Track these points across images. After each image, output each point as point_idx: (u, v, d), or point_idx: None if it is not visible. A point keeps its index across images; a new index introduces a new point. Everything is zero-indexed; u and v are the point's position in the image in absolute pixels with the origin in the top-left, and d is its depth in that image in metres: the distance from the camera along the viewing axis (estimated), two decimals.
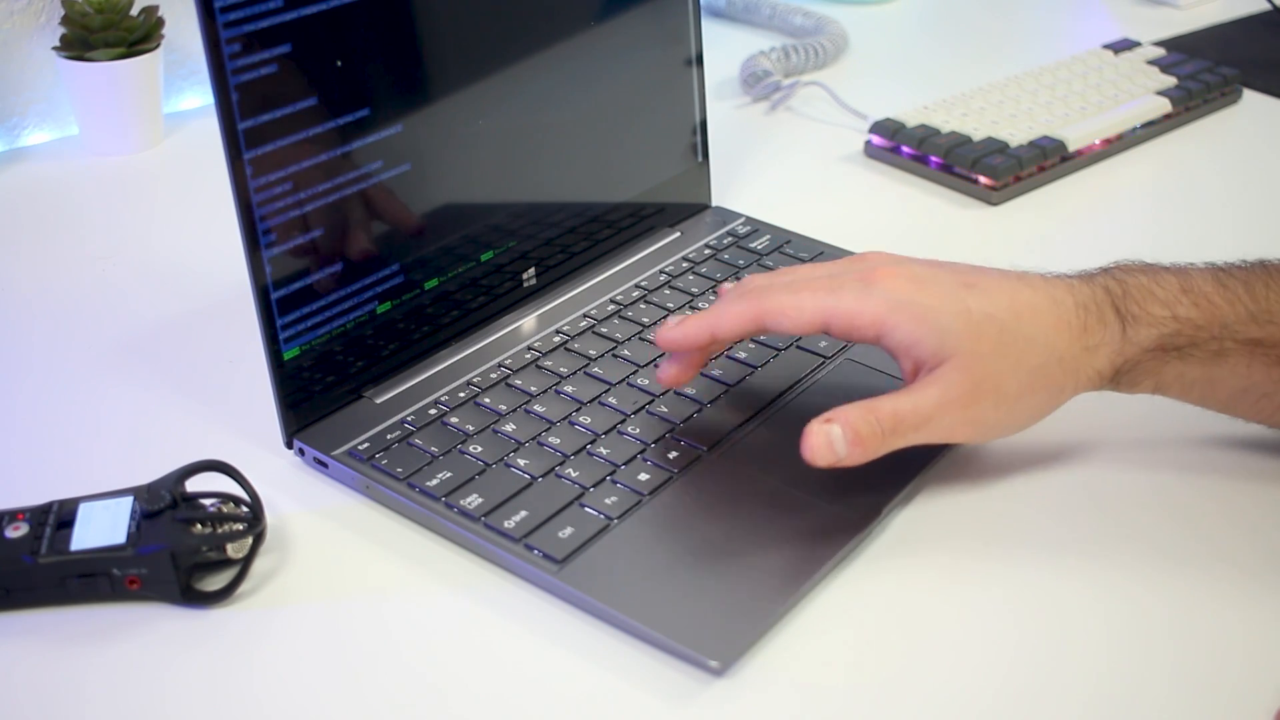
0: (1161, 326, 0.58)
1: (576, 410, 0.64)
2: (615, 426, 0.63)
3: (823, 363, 0.68)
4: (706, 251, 0.79)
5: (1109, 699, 0.50)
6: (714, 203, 0.86)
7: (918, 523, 0.60)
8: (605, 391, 0.66)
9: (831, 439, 0.54)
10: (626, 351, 0.69)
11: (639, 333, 0.71)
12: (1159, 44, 1.14)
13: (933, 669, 0.52)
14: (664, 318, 0.72)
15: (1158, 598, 0.55)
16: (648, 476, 0.60)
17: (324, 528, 0.59)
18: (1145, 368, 0.59)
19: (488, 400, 0.65)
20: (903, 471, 0.60)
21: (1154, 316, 0.58)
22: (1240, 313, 0.58)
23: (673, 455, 0.61)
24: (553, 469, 0.60)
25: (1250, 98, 1.08)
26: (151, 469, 0.56)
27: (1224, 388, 0.59)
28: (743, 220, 0.84)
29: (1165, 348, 0.58)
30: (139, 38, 0.94)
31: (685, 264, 0.78)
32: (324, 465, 0.62)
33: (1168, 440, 0.64)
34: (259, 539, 0.55)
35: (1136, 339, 0.58)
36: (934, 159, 0.93)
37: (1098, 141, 0.96)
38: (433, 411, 0.64)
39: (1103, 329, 0.58)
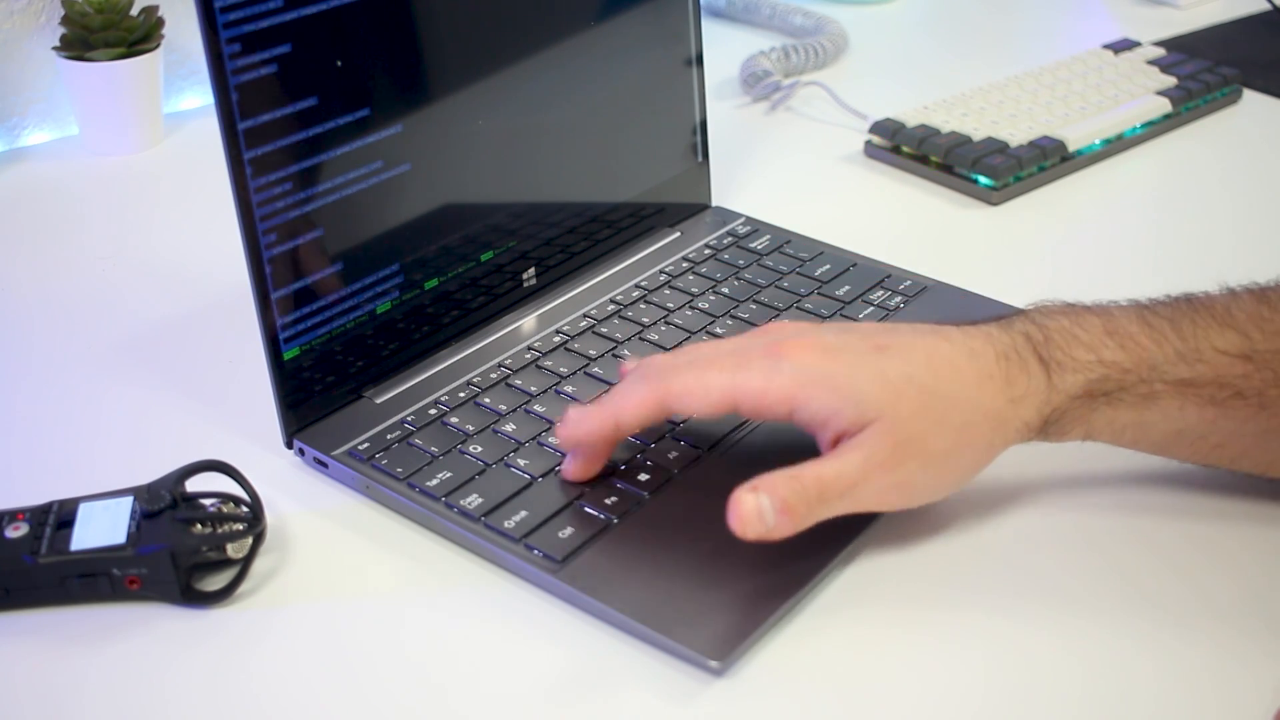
0: (1088, 371, 0.55)
1: None
2: None
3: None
4: (706, 251, 0.79)
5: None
6: (714, 203, 0.86)
7: (917, 524, 0.59)
8: (605, 391, 0.66)
9: (761, 509, 0.51)
10: (626, 351, 0.69)
11: (639, 333, 0.71)
12: (1159, 44, 1.14)
13: (933, 668, 0.52)
14: (663, 318, 0.72)
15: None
16: (647, 477, 0.60)
17: (324, 528, 0.59)
18: (1074, 415, 0.56)
19: (488, 400, 0.65)
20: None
21: (1079, 361, 0.55)
22: (1168, 352, 0.55)
23: (672, 455, 0.61)
24: (553, 469, 0.60)
25: (1250, 98, 1.08)
26: (151, 469, 0.56)
27: (1156, 431, 0.57)
28: (743, 220, 0.84)
29: (1093, 393, 0.55)
30: (139, 38, 0.94)
31: (685, 264, 0.78)
32: (324, 465, 0.62)
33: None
34: (259, 539, 0.55)
35: (1062, 386, 0.55)
36: (934, 159, 0.93)
37: (1098, 141, 0.96)
38: (433, 411, 0.64)
39: (1026, 379, 0.55)
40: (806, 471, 0.52)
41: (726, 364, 0.55)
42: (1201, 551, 0.58)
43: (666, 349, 0.69)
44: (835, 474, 0.53)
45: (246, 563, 0.55)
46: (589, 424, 0.57)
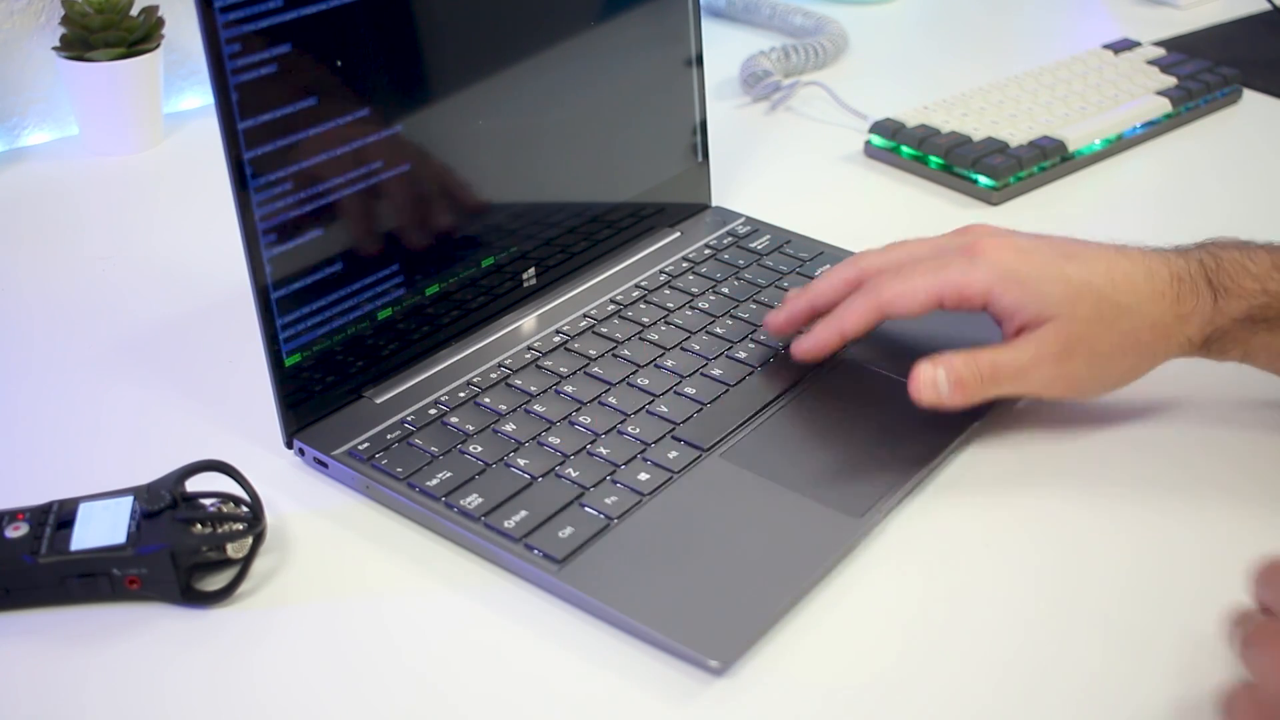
0: (1252, 299, 0.61)
1: (576, 410, 0.64)
2: (615, 426, 0.63)
3: (821, 364, 0.68)
4: (706, 251, 0.79)
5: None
6: (714, 203, 0.86)
7: (915, 526, 0.60)
8: (605, 391, 0.66)
9: (937, 380, 0.60)
10: (626, 351, 0.69)
11: (639, 333, 0.71)
12: (1159, 44, 1.14)
13: (932, 668, 0.52)
14: (663, 318, 0.72)
15: (1157, 596, 0.56)
16: (648, 476, 0.60)
17: (324, 528, 0.59)
18: (1234, 336, 0.62)
19: (488, 400, 0.65)
20: (902, 473, 0.60)
21: (1245, 289, 0.61)
22: None
23: (673, 455, 0.61)
24: (553, 469, 0.60)
25: (1250, 98, 1.08)
26: (151, 469, 0.56)
27: None
28: (743, 220, 0.84)
29: (1254, 318, 0.61)
30: (139, 38, 0.94)
31: (685, 264, 0.78)
32: (324, 465, 0.62)
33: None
34: (259, 539, 0.55)
35: (1227, 309, 0.61)
36: (934, 159, 0.93)
37: (1098, 141, 0.96)
38: (433, 411, 0.64)
39: (1195, 299, 0.61)
40: (983, 354, 0.61)
41: (930, 266, 0.63)
42: None
43: (667, 349, 0.69)
44: (1008, 359, 0.61)
45: (246, 563, 0.55)
46: (820, 340, 0.66)
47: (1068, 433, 0.65)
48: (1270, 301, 0.61)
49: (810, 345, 0.66)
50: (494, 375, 0.67)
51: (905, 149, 0.95)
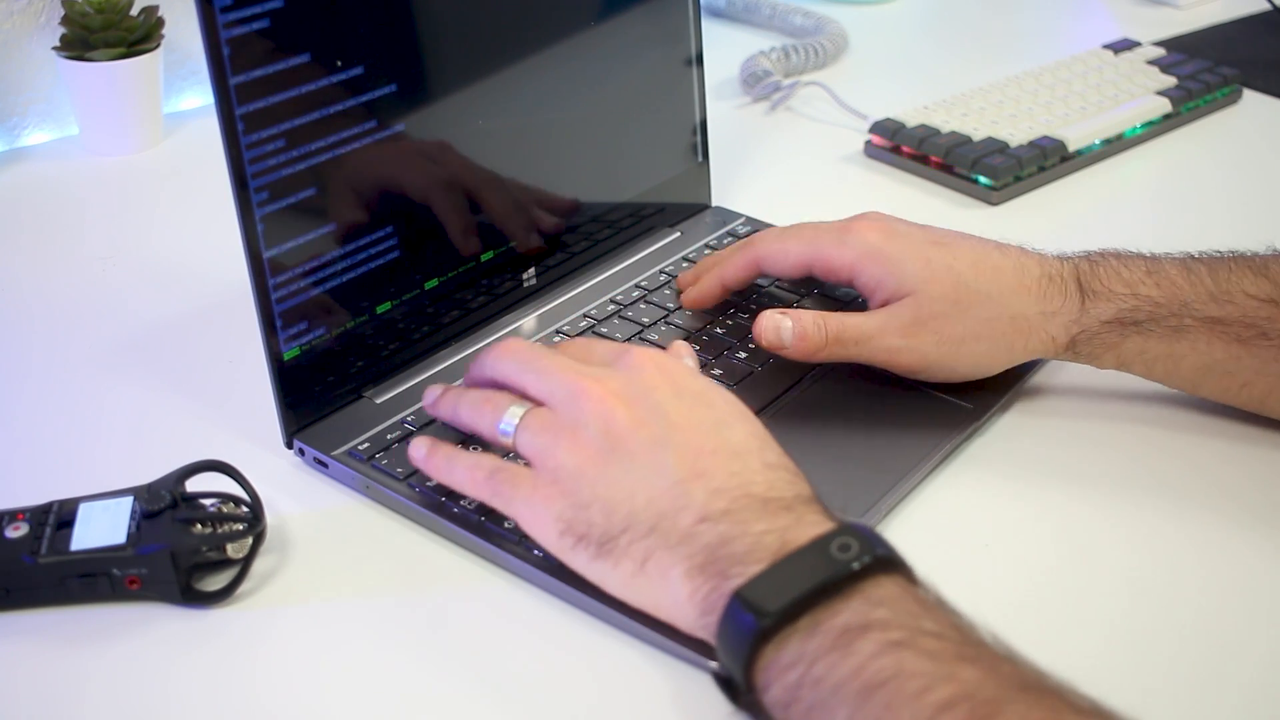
0: (1120, 302, 0.62)
1: None
2: None
3: (816, 366, 0.68)
4: (706, 251, 0.79)
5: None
6: (714, 203, 0.86)
7: (914, 526, 0.60)
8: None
9: (780, 327, 0.63)
10: None
11: (639, 332, 0.71)
12: (1159, 44, 1.14)
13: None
14: (663, 318, 0.72)
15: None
16: None
17: (324, 528, 0.59)
18: (1104, 340, 0.63)
19: None
20: (902, 473, 0.60)
21: (1114, 292, 0.62)
22: (1200, 292, 0.62)
23: None
24: None
25: (1250, 98, 1.08)
26: (151, 469, 0.56)
27: (1185, 364, 0.62)
28: (743, 220, 0.84)
29: (1124, 321, 0.62)
30: (139, 38, 0.94)
31: (685, 264, 0.78)
32: (324, 465, 0.62)
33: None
34: (259, 539, 0.55)
35: (1094, 312, 0.62)
36: (934, 159, 0.93)
37: (1098, 141, 0.96)
38: None
39: (1062, 298, 0.62)
40: (833, 316, 0.63)
41: (807, 235, 0.67)
42: None
43: (666, 349, 0.69)
44: (855, 323, 0.63)
45: (246, 563, 0.55)
46: (704, 290, 0.70)
47: (1068, 434, 0.65)
48: (1140, 305, 0.62)
49: (695, 293, 0.71)
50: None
51: (905, 149, 0.95)
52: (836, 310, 0.64)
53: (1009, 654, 0.43)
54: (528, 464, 0.54)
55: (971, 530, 0.59)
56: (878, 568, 0.46)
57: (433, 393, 0.60)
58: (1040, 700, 0.41)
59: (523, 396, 0.55)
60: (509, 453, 0.55)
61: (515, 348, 0.57)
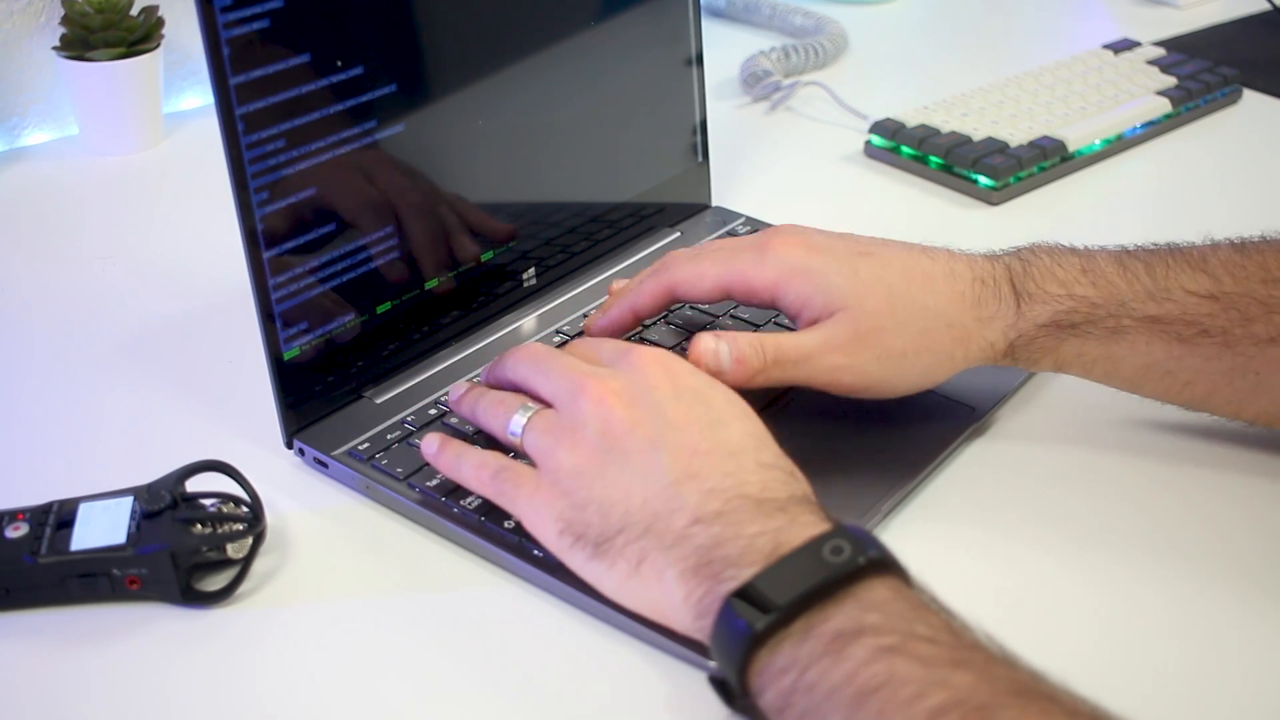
0: (1056, 304, 0.60)
1: None
2: None
3: None
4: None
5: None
6: (714, 203, 0.86)
7: (912, 529, 0.60)
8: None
9: (719, 352, 0.59)
10: None
11: (638, 333, 0.71)
12: (1159, 44, 1.14)
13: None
14: (662, 318, 0.72)
15: (1150, 589, 0.56)
16: None
17: (324, 528, 0.59)
18: (1041, 344, 0.60)
19: None
20: (900, 476, 0.60)
21: (1049, 294, 0.60)
22: (1138, 291, 0.59)
23: None
24: None
25: (1250, 98, 1.08)
26: (152, 469, 0.56)
27: (1125, 365, 0.61)
28: (743, 220, 0.84)
29: (1060, 324, 0.60)
30: (139, 38, 0.94)
31: None
32: (324, 465, 0.62)
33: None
34: (259, 539, 0.55)
35: (1030, 315, 0.60)
36: (934, 159, 0.93)
37: (1098, 141, 0.96)
38: (433, 411, 0.64)
39: (997, 303, 0.60)
40: (769, 337, 0.59)
41: (720, 256, 0.62)
42: None
43: (667, 349, 0.69)
44: (793, 344, 0.59)
45: (246, 563, 0.55)
46: (613, 318, 0.66)
47: (1069, 432, 0.65)
48: (1076, 306, 0.59)
49: (604, 322, 0.66)
50: None
51: (905, 149, 0.95)
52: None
53: (1004, 656, 0.43)
54: (534, 464, 0.54)
55: (971, 531, 0.59)
56: (871, 570, 0.45)
57: (457, 389, 0.60)
58: (1033, 705, 0.41)
59: (534, 398, 0.56)
60: (519, 453, 0.56)
61: (531, 350, 0.58)
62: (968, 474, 0.63)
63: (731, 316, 0.71)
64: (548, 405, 0.55)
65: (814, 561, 0.46)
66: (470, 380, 0.65)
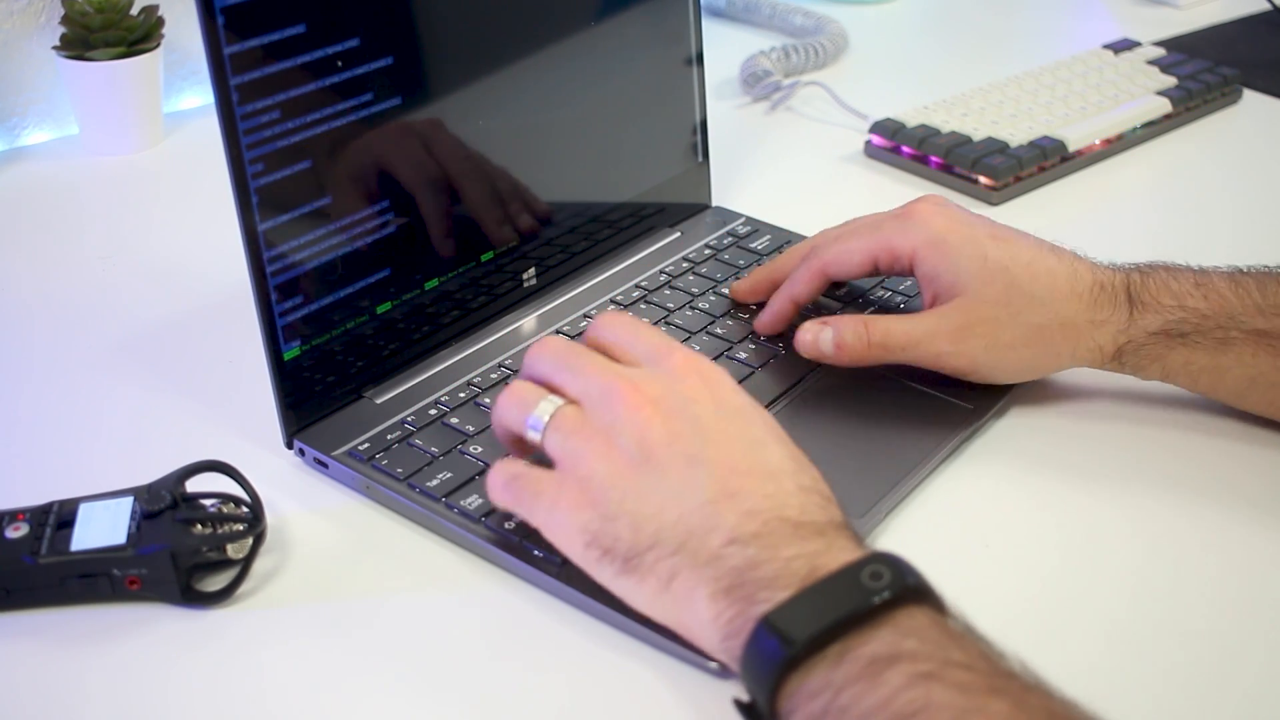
0: (1167, 314, 0.62)
1: None
2: None
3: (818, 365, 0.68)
4: (707, 251, 0.79)
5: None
6: (714, 203, 0.86)
7: (915, 526, 0.60)
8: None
9: (820, 338, 0.62)
10: None
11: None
12: (1159, 44, 1.14)
13: None
14: (663, 318, 0.72)
15: (1159, 591, 0.56)
16: None
17: (324, 528, 0.59)
18: (1150, 352, 0.62)
19: (488, 400, 0.65)
20: (902, 472, 0.60)
21: (1162, 304, 0.62)
22: (1248, 305, 0.61)
23: None
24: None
25: (1250, 98, 1.08)
26: (152, 469, 0.56)
27: (1231, 376, 0.62)
28: (743, 220, 0.84)
29: (1170, 333, 0.62)
30: (139, 37, 0.94)
31: (685, 264, 0.78)
32: (324, 465, 0.62)
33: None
34: (259, 539, 0.55)
35: (1142, 323, 0.62)
36: (934, 159, 0.93)
37: (1098, 141, 0.96)
38: (433, 412, 0.64)
39: (1112, 308, 0.62)
40: (878, 322, 0.63)
41: (867, 228, 0.66)
42: None
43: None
44: (902, 328, 0.62)
45: (247, 563, 0.55)
46: (776, 312, 0.69)
47: (1068, 433, 0.65)
48: (1186, 317, 0.61)
49: (768, 318, 0.69)
50: (494, 375, 0.67)
51: (905, 149, 0.95)
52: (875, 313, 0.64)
53: (1038, 684, 0.43)
54: (553, 465, 0.53)
55: (971, 530, 0.59)
56: (908, 597, 0.45)
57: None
58: None
59: (559, 395, 0.54)
60: (537, 452, 0.54)
61: (553, 344, 0.55)
62: (967, 474, 0.63)
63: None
64: (573, 402, 0.53)
65: (852, 586, 0.45)
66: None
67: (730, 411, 0.52)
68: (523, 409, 0.53)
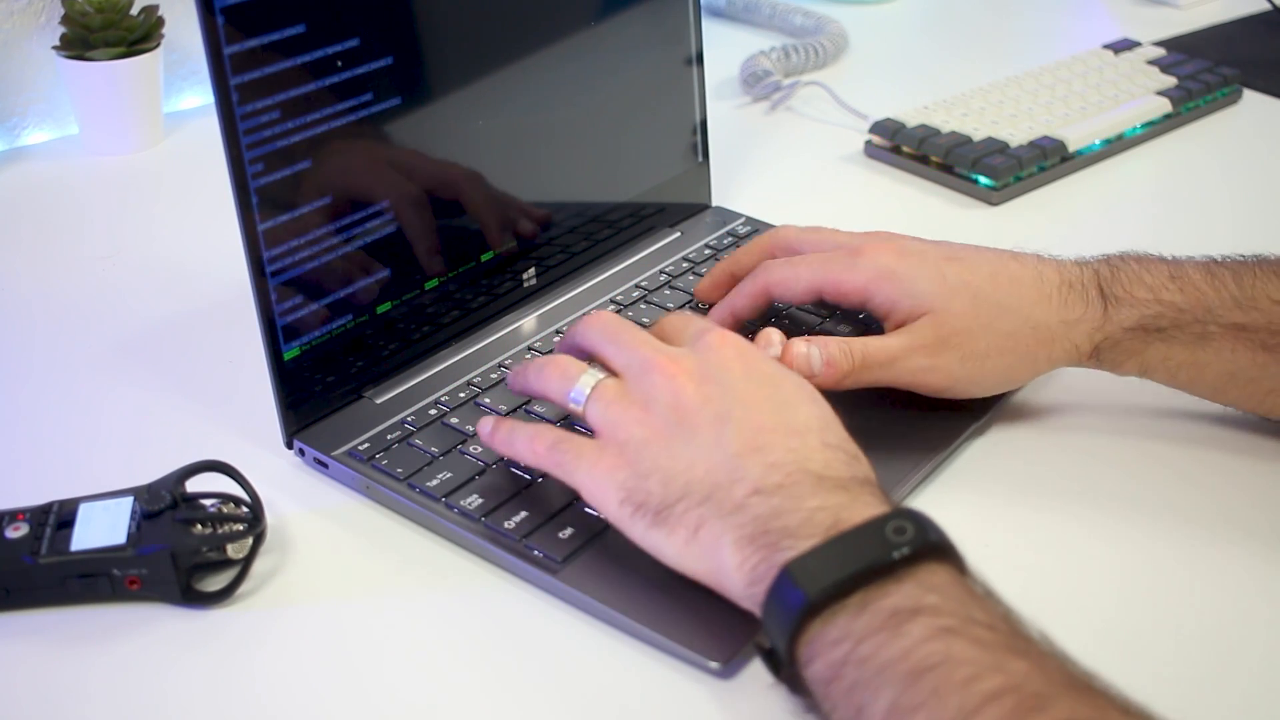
0: (1143, 308, 0.61)
1: None
2: None
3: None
4: (707, 252, 0.79)
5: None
6: (714, 203, 0.86)
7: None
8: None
9: (810, 356, 0.61)
10: None
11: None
12: (1159, 44, 1.14)
13: None
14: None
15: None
16: None
17: (324, 528, 0.59)
18: (1127, 347, 0.62)
19: (488, 400, 0.65)
20: (900, 474, 0.60)
21: (1136, 298, 0.61)
22: (1225, 298, 0.60)
23: None
24: None
25: (1250, 98, 1.08)
26: (152, 469, 0.56)
27: (1210, 371, 0.61)
28: (743, 220, 0.84)
29: (1147, 328, 0.61)
30: (139, 37, 0.94)
31: (685, 264, 0.78)
32: (324, 465, 0.62)
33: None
34: (259, 539, 0.55)
35: (1117, 318, 0.61)
36: (934, 159, 0.93)
37: (1098, 141, 0.96)
38: (433, 412, 0.64)
39: (1084, 306, 0.61)
40: (856, 340, 0.61)
41: (817, 259, 0.65)
42: None
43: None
44: (879, 346, 0.61)
45: (247, 563, 0.55)
46: (715, 319, 0.67)
47: (1064, 439, 0.65)
48: (1163, 311, 0.61)
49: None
50: (494, 375, 0.67)
51: (905, 149, 0.95)
52: (860, 332, 0.64)
53: (1056, 651, 0.43)
54: (590, 433, 0.54)
55: (968, 534, 0.59)
56: (931, 554, 0.46)
57: (512, 370, 0.61)
58: (1087, 698, 0.41)
59: (601, 367, 0.56)
60: (572, 421, 0.56)
61: (604, 318, 0.57)
62: (964, 479, 0.63)
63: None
64: (613, 375, 0.55)
65: (875, 539, 0.46)
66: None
67: (761, 377, 0.54)
68: (565, 381, 0.56)
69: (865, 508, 0.48)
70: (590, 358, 0.57)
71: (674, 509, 0.51)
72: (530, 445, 0.56)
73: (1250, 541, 0.58)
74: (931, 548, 0.46)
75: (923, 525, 0.46)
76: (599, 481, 0.53)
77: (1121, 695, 0.42)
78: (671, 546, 0.51)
